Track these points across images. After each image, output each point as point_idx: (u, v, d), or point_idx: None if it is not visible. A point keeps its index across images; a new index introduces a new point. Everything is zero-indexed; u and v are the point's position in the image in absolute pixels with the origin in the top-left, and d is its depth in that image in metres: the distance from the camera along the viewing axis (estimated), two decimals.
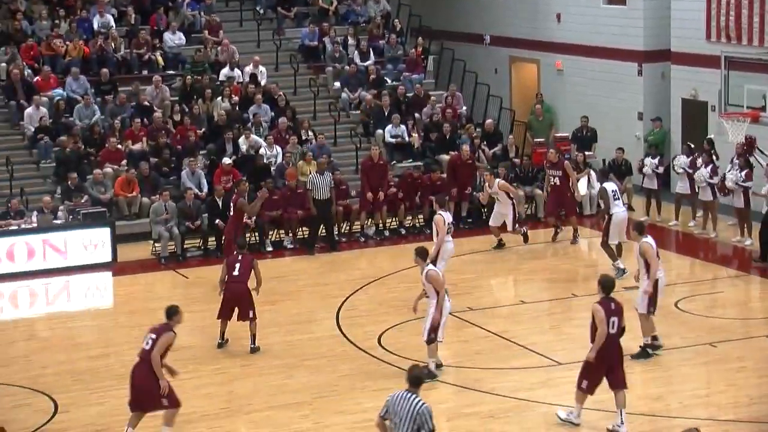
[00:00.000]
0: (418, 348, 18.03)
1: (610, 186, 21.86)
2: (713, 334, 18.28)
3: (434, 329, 16.38)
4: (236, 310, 18.04)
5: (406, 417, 11.45)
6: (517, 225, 23.73)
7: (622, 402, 14.46)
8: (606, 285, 14.71)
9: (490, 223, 24.03)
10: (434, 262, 18.99)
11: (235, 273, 18.01)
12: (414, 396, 11.55)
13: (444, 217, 19.76)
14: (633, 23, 29.33)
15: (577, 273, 22.84)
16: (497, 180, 23.77)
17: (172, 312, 14.53)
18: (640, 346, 17.14)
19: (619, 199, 21.85)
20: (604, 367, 14.44)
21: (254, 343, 18.02)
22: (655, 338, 17.40)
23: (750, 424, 14.69)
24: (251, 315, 17.94)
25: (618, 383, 14.53)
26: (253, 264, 18.19)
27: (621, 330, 14.55)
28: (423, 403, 11.51)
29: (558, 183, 24.30)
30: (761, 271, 22.12)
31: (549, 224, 24.67)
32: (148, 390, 14.26)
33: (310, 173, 25.05)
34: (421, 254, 16.63)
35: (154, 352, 14.18)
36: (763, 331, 18.46)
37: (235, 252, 18.80)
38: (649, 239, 17.15)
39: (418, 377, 11.77)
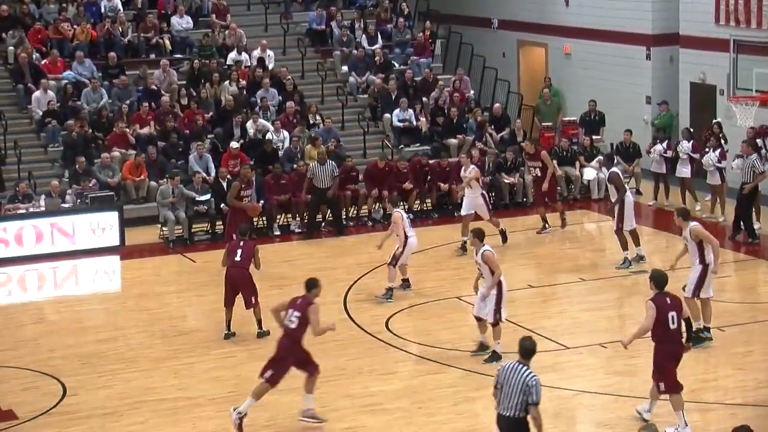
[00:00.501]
0: (426, 331, 18.26)
1: (621, 169, 21.75)
2: (721, 318, 18.14)
3: (498, 310, 16.48)
4: (240, 296, 17.99)
5: (515, 387, 11.77)
6: (492, 215, 23.16)
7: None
8: (658, 280, 14.02)
9: (462, 213, 23.13)
10: (397, 261, 19.72)
11: (237, 258, 17.89)
12: (524, 367, 11.87)
13: (402, 214, 19.92)
14: (641, 7, 29.30)
15: (585, 257, 22.83)
16: (471, 166, 22.96)
17: (312, 285, 14.73)
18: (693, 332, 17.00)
19: (627, 182, 21.78)
20: (675, 362, 13.98)
21: (261, 328, 17.96)
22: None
23: (757, 408, 14.69)
24: (253, 300, 17.91)
25: None
26: (255, 250, 18.10)
27: (688, 322, 14.04)
28: (533, 375, 11.82)
29: (539, 174, 23.82)
30: (755, 251, 22.35)
31: (539, 214, 24.26)
32: (286, 361, 14.57)
33: (312, 163, 24.92)
34: (478, 235, 16.76)
35: (315, 327, 14.50)
36: None
37: (236, 238, 18.73)
38: (697, 223, 17.05)
39: (529, 349, 12.04)
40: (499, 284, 16.46)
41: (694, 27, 27.80)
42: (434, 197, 25.97)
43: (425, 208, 26.09)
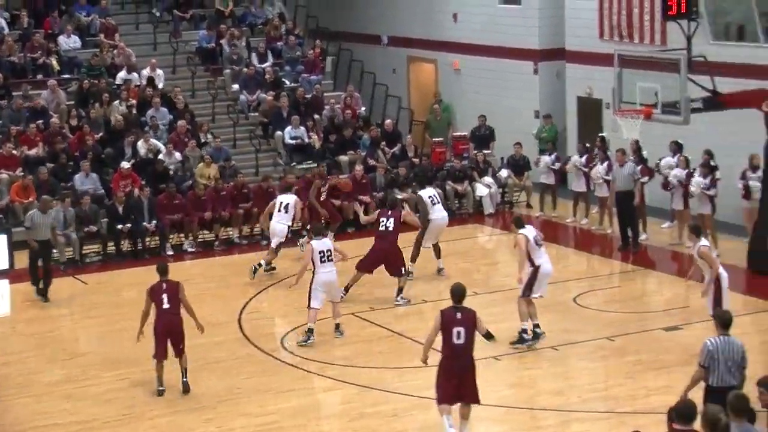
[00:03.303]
0: (322, 348, 18.17)
1: (426, 193, 21.83)
2: (611, 328, 18.52)
3: (719, 304, 16.45)
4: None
5: (738, 358, 12.46)
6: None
7: (466, 415, 14.04)
8: (455, 293, 14.05)
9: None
10: (310, 297, 18.25)
11: (166, 306, 16.21)
12: (732, 338, 12.51)
13: (314, 246, 18.28)
14: (528, 23, 29.65)
15: (479, 272, 23.00)
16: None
17: None
18: None
19: (438, 203, 21.72)
20: (454, 378, 13.82)
21: (185, 377, 16.48)
22: None
23: (646, 415, 14.79)
24: (182, 350, 16.38)
25: (467, 397, 13.98)
26: (179, 289, 16.40)
27: (471, 342, 13.86)
28: (739, 341, 12.62)
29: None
30: (642, 262, 22.89)
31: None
32: None
33: (32, 211, 22.29)
34: (695, 230, 17.27)
35: None
36: (658, 324, 18.78)
37: (158, 280, 16.73)
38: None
39: (728, 319, 12.73)
40: None
41: (580, 42, 28.27)
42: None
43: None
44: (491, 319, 19.08)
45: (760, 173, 22.12)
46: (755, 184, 22.27)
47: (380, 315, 19.74)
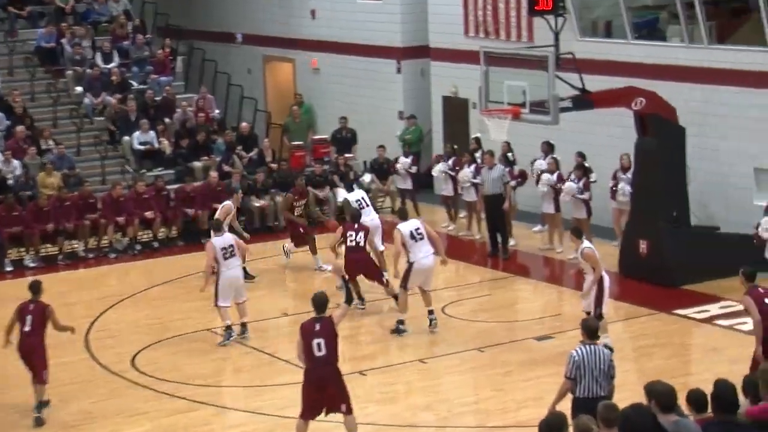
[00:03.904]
0: (175, 367, 17.65)
1: (354, 196, 21.68)
2: (480, 338, 18.23)
3: (600, 304, 16.74)
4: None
5: (605, 367, 12.19)
6: None
7: (350, 424, 13.93)
8: (316, 303, 13.88)
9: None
10: (217, 296, 18.15)
11: (27, 328, 15.46)
12: (599, 346, 12.39)
13: (215, 244, 18.18)
14: (390, 19, 29.21)
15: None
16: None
17: None
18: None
19: (366, 206, 21.28)
20: (313, 390, 13.71)
21: (40, 411, 15.51)
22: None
23: (517, 429, 14.59)
24: (44, 376, 15.59)
25: (336, 408, 13.83)
26: (48, 312, 15.55)
27: (333, 352, 13.65)
28: (606, 350, 12.56)
29: None
30: (513, 268, 22.64)
31: None
32: None
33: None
34: (576, 232, 17.47)
35: None
36: (527, 334, 18.50)
37: (29, 298, 15.84)
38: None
39: (595, 327, 12.60)
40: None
41: (444, 39, 27.85)
42: (179, 223, 24.90)
43: (171, 236, 25.04)
44: (356, 332, 19.07)
45: (630, 174, 21.92)
46: (625, 186, 22.12)
47: (238, 330, 18.86)
